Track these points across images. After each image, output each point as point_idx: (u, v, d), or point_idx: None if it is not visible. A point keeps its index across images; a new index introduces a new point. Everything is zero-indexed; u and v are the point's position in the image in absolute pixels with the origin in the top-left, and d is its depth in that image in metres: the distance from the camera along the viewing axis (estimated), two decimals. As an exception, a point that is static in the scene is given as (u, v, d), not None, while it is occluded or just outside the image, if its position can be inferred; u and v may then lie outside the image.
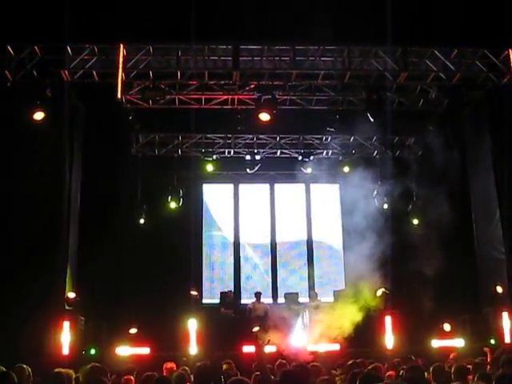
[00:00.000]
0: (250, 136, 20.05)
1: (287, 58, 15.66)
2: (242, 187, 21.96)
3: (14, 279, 14.66)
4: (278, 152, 20.84)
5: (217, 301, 19.12)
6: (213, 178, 21.25)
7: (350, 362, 9.30)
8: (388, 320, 16.39)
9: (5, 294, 14.41)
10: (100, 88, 15.78)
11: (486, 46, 15.19)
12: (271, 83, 16.10)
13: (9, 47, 14.57)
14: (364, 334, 16.06)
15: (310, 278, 21.10)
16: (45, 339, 14.44)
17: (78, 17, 13.34)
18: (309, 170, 20.49)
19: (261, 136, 20.08)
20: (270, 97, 15.61)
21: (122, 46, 14.82)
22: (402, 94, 17.13)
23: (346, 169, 20.12)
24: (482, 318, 16.37)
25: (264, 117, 15.55)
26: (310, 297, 19.42)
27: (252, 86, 16.42)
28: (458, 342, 15.76)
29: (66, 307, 15.92)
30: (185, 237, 19.50)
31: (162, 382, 5.66)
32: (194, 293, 18.80)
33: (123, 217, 18.64)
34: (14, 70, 14.79)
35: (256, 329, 14.89)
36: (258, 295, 18.59)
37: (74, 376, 7.30)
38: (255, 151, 20.26)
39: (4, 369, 6.29)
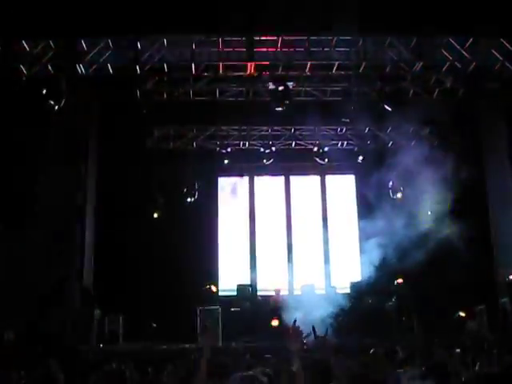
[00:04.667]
0: (265, 128, 19.99)
1: (302, 49, 15.62)
2: (258, 179, 21.91)
3: (31, 273, 14.79)
4: (293, 143, 20.80)
5: (233, 293, 19.13)
6: (228, 171, 21.21)
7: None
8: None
9: (21, 286, 14.56)
10: (115, 81, 15.81)
11: (501, 35, 15.05)
12: (286, 74, 16.06)
13: (23, 42, 14.60)
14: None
15: (326, 269, 21.06)
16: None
17: (92, 10, 13.33)
18: (324, 161, 20.42)
19: (275, 128, 20.02)
20: (284, 88, 15.57)
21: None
22: (417, 84, 17.03)
23: (361, 159, 20.04)
24: (498, 308, 16.31)
25: (277, 107, 15.54)
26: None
27: (267, 78, 16.37)
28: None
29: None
30: (200, 230, 19.53)
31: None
32: (212, 289, 18.82)
33: (138, 210, 18.68)
34: (29, 65, 14.82)
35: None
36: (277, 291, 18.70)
37: None
38: (270, 143, 20.19)
39: None
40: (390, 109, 15.45)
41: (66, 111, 14.88)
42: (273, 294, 19.07)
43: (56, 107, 14.67)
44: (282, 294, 19.29)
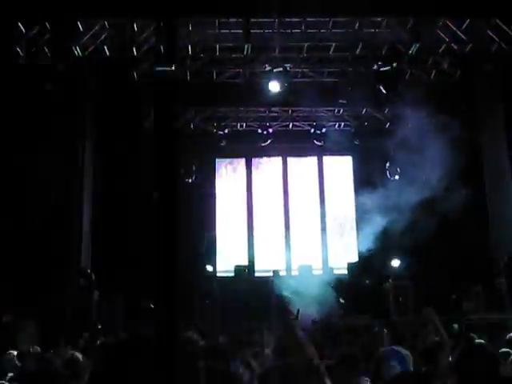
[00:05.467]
0: (262, 109, 19.99)
1: (298, 31, 15.60)
2: (255, 161, 21.94)
3: (29, 257, 14.85)
4: (290, 125, 20.82)
5: (231, 274, 19.21)
6: (225, 152, 21.23)
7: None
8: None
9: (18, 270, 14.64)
10: (112, 63, 15.79)
11: (497, 16, 15.03)
12: (282, 56, 16.06)
13: (20, 24, 14.57)
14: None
15: (323, 250, 21.15)
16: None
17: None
18: (321, 143, 20.46)
19: (272, 109, 20.00)
20: (281, 69, 15.59)
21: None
22: (414, 65, 17.02)
23: (358, 141, 20.10)
24: (495, 289, 16.38)
25: (274, 87, 15.57)
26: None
27: (263, 59, 16.38)
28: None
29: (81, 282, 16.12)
30: (198, 211, 19.59)
31: None
32: (209, 268, 18.95)
33: (137, 192, 18.71)
34: (26, 47, 14.79)
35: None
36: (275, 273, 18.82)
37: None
38: (267, 124, 20.20)
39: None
40: (385, 91, 15.49)
41: (63, 94, 14.90)
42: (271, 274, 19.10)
43: (53, 90, 14.69)
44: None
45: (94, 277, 16.42)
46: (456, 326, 12.58)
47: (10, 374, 6.70)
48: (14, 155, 15.20)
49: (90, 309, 15.64)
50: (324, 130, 20.24)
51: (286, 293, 16.62)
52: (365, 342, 8.28)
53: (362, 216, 19.63)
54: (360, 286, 18.06)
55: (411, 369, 4.87)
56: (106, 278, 16.43)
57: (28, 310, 13.86)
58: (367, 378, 5.82)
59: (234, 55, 16.47)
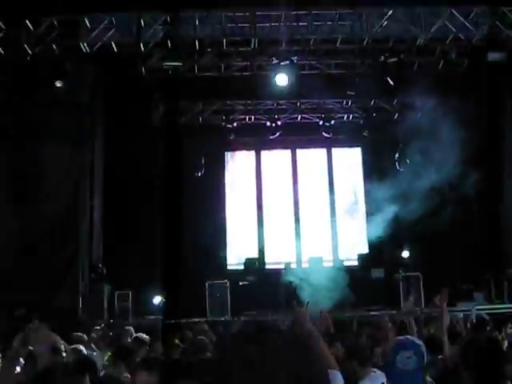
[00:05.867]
0: (270, 102, 20.01)
1: (305, 24, 15.60)
2: (264, 154, 21.96)
3: (40, 251, 14.98)
4: (299, 117, 20.84)
5: (241, 266, 19.29)
6: (234, 146, 21.29)
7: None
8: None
9: (31, 266, 14.76)
10: (119, 59, 15.85)
11: (505, 5, 14.98)
12: (289, 49, 16.08)
13: (27, 21, 14.63)
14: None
15: (333, 241, 21.18)
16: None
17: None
18: (330, 135, 20.48)
19: (281, 102, 20.02)
20: (288, 62, 15.61)
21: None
22: (421, 57, 16.99)
23: (367, 133, 20.11)
24: (505, 279, 16.37)
25: (282, 80, 15.61)
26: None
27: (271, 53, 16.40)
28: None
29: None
30: (208, 204, 19.66)
31: None
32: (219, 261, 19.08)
33: (146, 187, 18.79)
34: (34, 45, 14.86)
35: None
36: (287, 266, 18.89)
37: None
38: (276, 117, 20.22)
39: None
40: (392, 83, 15.49)
41: (71, 90, 14.99)
42: (281, 267, 19.16)
43: (61, 86, 14.78)
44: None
45: (105, 271, 16.54)
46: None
47: None
48: (22, 152, 15.32)
49: (101, 303, 15.76)
50: (333, 122, 20.25)
51: (295, 285, 16.68)
52: (373, 333, 8.29)
53: (371, 207, 19.64)
54: (370, 277, 18.10)
55: (426, 358, 4.88)
56: (117, 273, 16.55)
57: (40, 304, 13.99)
58: (375, 369, 5.87)
59: (241, 49, 16.48)
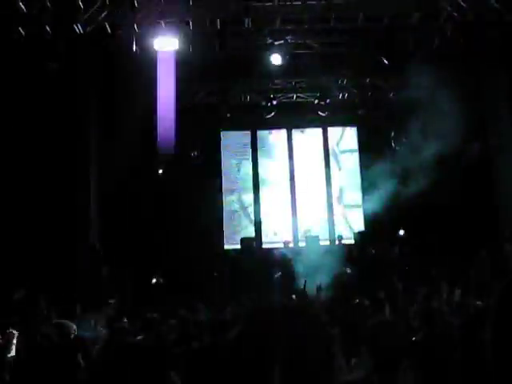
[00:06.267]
0: (266, 81, 19.96)
1: (299, 3, 15.54)
2: (260, 133, 21.97)
3: (37, 231, 15.05)
4: (294, 97, 20.82)
5: (238, 246, 19.35)
6: (230, 125, 21.29)
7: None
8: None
9: (29, 244, 14.84)
10: (113, 39, 15.80)
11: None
12: (284, 28, 16.05)
13: (20, 3, 14.56)
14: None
15: (330, 220, 21.26)
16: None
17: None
18: (325, 114, 20.49)
19: (276, 81, 19.98)
20: (282, 42, 15.59)
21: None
22: (416, 35, 16.95)
23: (363, 111, 20.12)
24: (501, 255, 16.39)
25: (276, 60, 15.60)
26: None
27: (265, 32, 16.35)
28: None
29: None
30: (204, 183, 19.70)
31: None
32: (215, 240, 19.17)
33: (143, 166, 18.82)
34: (27, 26, 14.78)
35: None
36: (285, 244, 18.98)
37: None
38: (271, 96, 20.19)
39: None
40: (386, 62, 15.48)
41: (66, 71, 14.96)
42: (279, 246, 19.25)
43: (55, 68, 14.75)
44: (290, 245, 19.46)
45: (102, 252, 16.60)
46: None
47: None
48: (17, 133, 15.33)
49: (99, 284, 15.82)
50: (328, 101, 20.22)
51: (293, 263, 16.79)
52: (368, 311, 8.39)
53: (367, 185, 19.72)
54: (366, 255, 18.17)
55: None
56: (115, 253, 16.61)
57: (38, 286, 14.07)
58: None
59: (235, 28, 16.43)
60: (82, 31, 15.20)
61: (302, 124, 21.84)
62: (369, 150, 19.75)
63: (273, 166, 21.74)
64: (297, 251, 18.53)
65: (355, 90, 20.51)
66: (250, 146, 21.84)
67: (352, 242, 19.35)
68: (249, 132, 21.85)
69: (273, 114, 20.13)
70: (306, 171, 21.73)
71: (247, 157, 21.81)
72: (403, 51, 16.29)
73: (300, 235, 20.84)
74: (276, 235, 20.53)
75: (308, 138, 22.08)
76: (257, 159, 21.77)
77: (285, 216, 21.27)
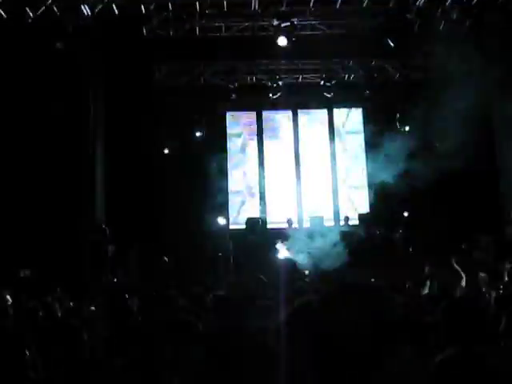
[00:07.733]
0: (271, 62, 19.96)
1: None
2: (265, 114, 22.02)
3: (42, 210, 15.20)
4: (300, 78, 20.85)
5: (243, 226, 19.45)
6: (235, 105, 21.34)
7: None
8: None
9: (35, 225, 15.00)
10: (121, 21, 15.83)
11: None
12: (290, 10, 16.06)
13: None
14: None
15: (334, 201, 21.34)
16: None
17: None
18: (331, 95, 20.53)
19: (282, 62, 19.98)
20: (288, 24, 15.61)
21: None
22: (422, 17, 16.91)
23: (368, 92, 20.14)
24: (504, 239, 16.46)
25: (282, 42, 15.65)
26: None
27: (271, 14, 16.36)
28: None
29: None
30: (210, 164, 19.80)
31: None
32: (221, 221, 19.27)
33: (148, 147, 18.94)
34: (34, 8, 14.81)
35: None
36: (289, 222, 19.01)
37: None
38: (277, 77, 20.21)
39: None
40: (392, 44, 15.48)
41: (72, 52, 15.03)
42: (284, 226, 19.33)
43: (62, 48, 14.81)
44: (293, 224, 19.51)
45: (108, 231, 16.75)
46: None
47: None
48: (23, 113, 15.43)
49: (104, 263, 15.99)
50: (333, 83, 20.25)
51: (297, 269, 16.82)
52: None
53: (373, 167, 19.77)
54: (371, 237, 18.26)
55: None
56: (120, 233, 16.75)
57: (43, 265, 14.25)
58: None
59: (241, 10, 16.46)
60: (89, 13, 15.21)
61: (308, 105, 21.86)
62: (374, 131, 19.78)
63: (278, 147, 21.80)
64: (300, 231, 18.62)
65: (361, 72, 20.50)
66: (255, 126, 21.89)
67: (356, 223, 19.43)
68: (254, 113, 21.91)
69: (278, 94, 20.16)
70: (311, 152, 21.78)
71: (252, 137, 21.88)
72: (409, 33, 16.27)
73: (305, 216, 20.93)
74: (281, 215, 20.58)
75: (313, 119, 22.11)
76: (262, 140, 21.84)
77: (290, 196, 21.35)
